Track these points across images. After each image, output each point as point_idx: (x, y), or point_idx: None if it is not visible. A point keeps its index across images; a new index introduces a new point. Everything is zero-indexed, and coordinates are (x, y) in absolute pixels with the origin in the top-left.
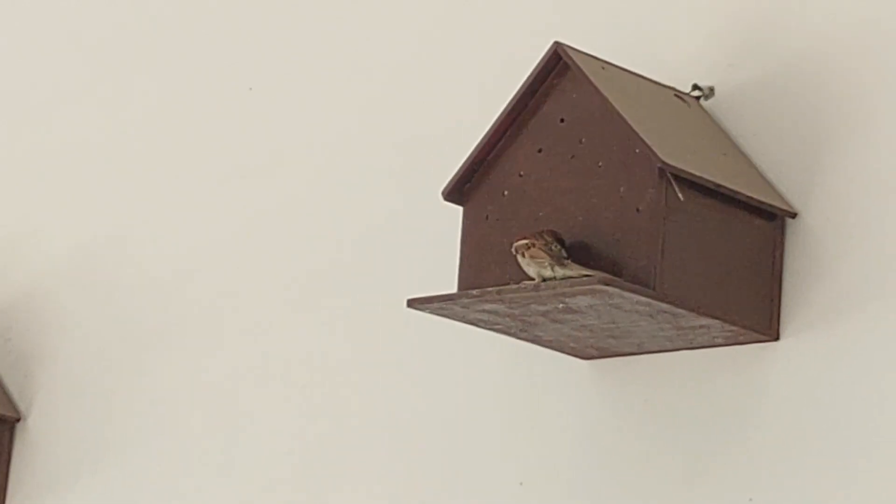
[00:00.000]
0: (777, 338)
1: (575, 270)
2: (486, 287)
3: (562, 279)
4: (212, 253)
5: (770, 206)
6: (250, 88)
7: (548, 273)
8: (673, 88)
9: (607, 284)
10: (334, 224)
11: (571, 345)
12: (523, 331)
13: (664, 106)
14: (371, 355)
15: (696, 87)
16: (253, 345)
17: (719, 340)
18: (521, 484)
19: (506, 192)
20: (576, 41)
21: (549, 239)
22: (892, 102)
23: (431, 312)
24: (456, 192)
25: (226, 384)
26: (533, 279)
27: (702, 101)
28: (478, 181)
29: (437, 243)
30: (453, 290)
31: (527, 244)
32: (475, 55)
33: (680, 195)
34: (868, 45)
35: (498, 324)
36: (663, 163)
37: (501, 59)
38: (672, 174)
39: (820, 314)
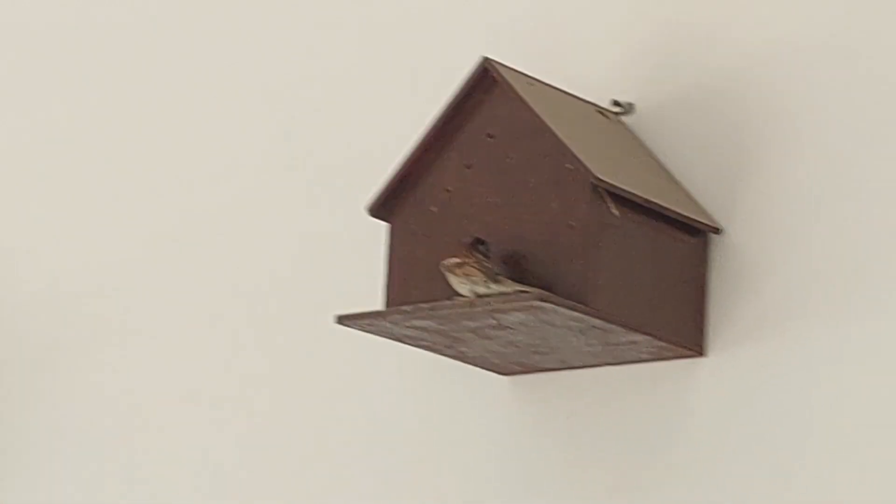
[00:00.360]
0: (703, 353)
1: (509, 286)
2: (413, 303)
3: (496, 295)
4: (124, 269)
5: (696, 221)
6: (162, 101)
7: (482, 290)
8: (594, 104)
9: (544, 300)
10: (257, 240)
11: (494, 361)
12: (449, 347)
13: (589, 122)
14: (289, 372)
15: (616, 103)
16: (168, 363)
17: (645, 356)
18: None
19: (433, 208)
20: (496, 56)
21: (480, 256)
22: (813, 119)
23: (361, 329)
24: (381, 207)
25: (135, 402)
26: (465, 297)
27: (622, 117)
28: (404, 197)
29: (363, 260)
30: (378, 306)
31: (458, 262)
32: (401, 71)
33: (615, 211)
34: (787, 63)
35: (425, 340)
36: (597, 178)
37: (427, 76)
38: (605, 190)
39: (746, 330)
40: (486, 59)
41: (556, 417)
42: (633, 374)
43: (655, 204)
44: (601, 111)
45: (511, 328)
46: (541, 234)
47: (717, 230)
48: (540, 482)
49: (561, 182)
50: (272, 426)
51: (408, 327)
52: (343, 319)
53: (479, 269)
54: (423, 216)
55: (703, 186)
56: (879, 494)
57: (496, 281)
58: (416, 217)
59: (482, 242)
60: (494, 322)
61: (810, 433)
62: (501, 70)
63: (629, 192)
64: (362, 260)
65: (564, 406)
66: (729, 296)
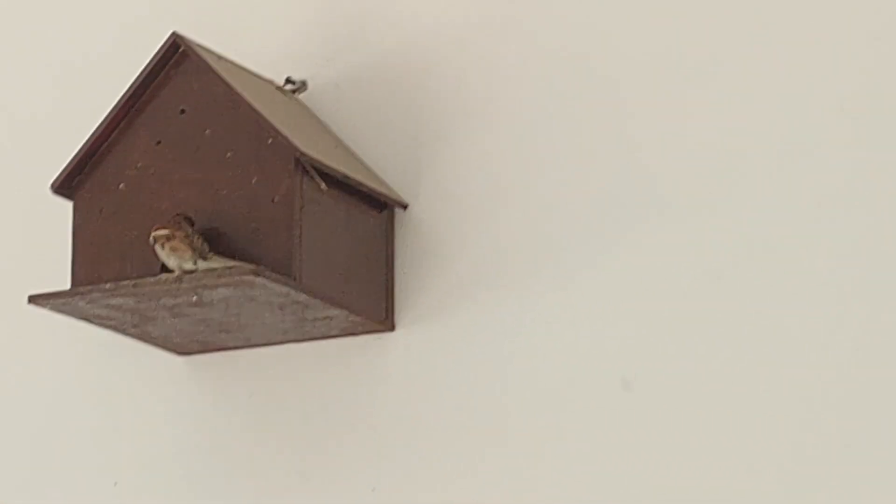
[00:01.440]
0: (393, 328)
1: (218, 262)
2: (103, 282)
3: (205, 271)
4: None
5: (385, 196)
6: None
7: (189, 266)
8: (272, 81)
9: (257, 275)
10: None
11: (176, 340)
12: (135, 326)
13: (274, 98)
14: None
15: (289, 80)
16: None
17: (335, 332)
18: (115, 484)
19: (122, 185)
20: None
21: (189, 230)
22: (495, 94)
23: (54, 309)
24: (65, 186)
25: None
26: (172, 271)
27: (297, 94)
28: (88, 174)
29: (53, 239)
30: (65, 286)
31: (167, 235)
32: (86, 48)
33: (323, 185)
34: (465, 40)
35: (114, 319)
36: (301, 153)
37: (114, 51)
38: (311, 165)
39: (433, 304)
40: (176, 34)
41: (236, 396)
42: (320, 350)
43: (352, 179)
44: (279, 88)
45: (209, 305)
46: (241, 209)
47: (403, 205)
48: (221, 463)
49: (261, 157)
50: None
51: (104, 306)
52: (35, 299)
53: (188, 246)
54: (111, 194)
55: (385, 162)
56: (568, 461)
57: (206, 258)
58: (102, 195)
59: (186, 219)
60: (196, 298)
61: (497, 405)
62: (193, 45)
63: (330, 167)
64: (52, 239)
65: (246, 384)
66: (416, 271)
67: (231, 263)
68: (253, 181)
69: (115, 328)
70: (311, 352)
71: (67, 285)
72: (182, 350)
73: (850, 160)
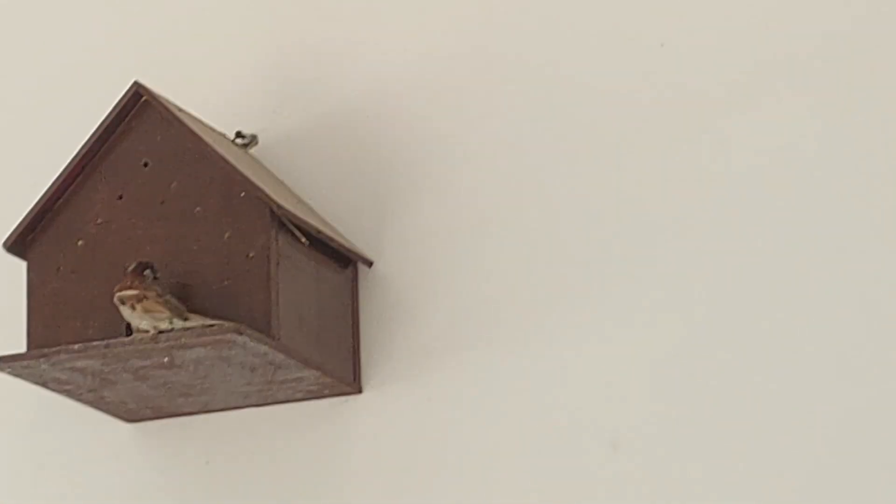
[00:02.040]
0: (360, 390)
1: (197, 321)
2: (62, 344)
3: (182, 330)
4: None
5: (352, 252)
6: None
7: (164, 325)
8: (224, 135)
9: (239, 334)
10: None
11: (130, 405)
12: (91, 391)
13: (235, 151)
14: None
15: (239, 134)
16: None
17: (300, 395)
18: None
19: (80, 242)
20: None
21: (159, 289)
22: (456, 146)
23: (12, 373)
24: (19, 243)
25: None
26: (146, 332)
27: (248, 149)
28: (44, 232)
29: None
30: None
31: (137, 295)
32: (37, 98)
33: (304, 240)
34: (425, 88)
35: (72, 384)
36: (279, 206)
37: (65, 102)
38: (288, 219)
39: (401, 365)
40: (138, 84)
41: (191, 464)
42: (284, 415)
43: (324, 234)
44: (234, 141)
45: (179, 367)
46: (212, 265)
47: (369, 262)
48: None
49: (234, 211)
50: None
51: (66, 369)
52: None
53: (163, 307)
54: (69, 251)
55: (345, 218)
56: None
57: (184, 318)
58: (59, 251)
59: (148, 267)
60: (167, 360)
61: (467, 463)
62: (156, 95)
63: (305, 222)
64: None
65: (201, 452)
66: (382, 329)
67: (209, 322)
68: (225, 236)
69: (70, 393)
70: (275, 416)
71: (19, 349)
72: (132, 417)
73: (848, 221)
